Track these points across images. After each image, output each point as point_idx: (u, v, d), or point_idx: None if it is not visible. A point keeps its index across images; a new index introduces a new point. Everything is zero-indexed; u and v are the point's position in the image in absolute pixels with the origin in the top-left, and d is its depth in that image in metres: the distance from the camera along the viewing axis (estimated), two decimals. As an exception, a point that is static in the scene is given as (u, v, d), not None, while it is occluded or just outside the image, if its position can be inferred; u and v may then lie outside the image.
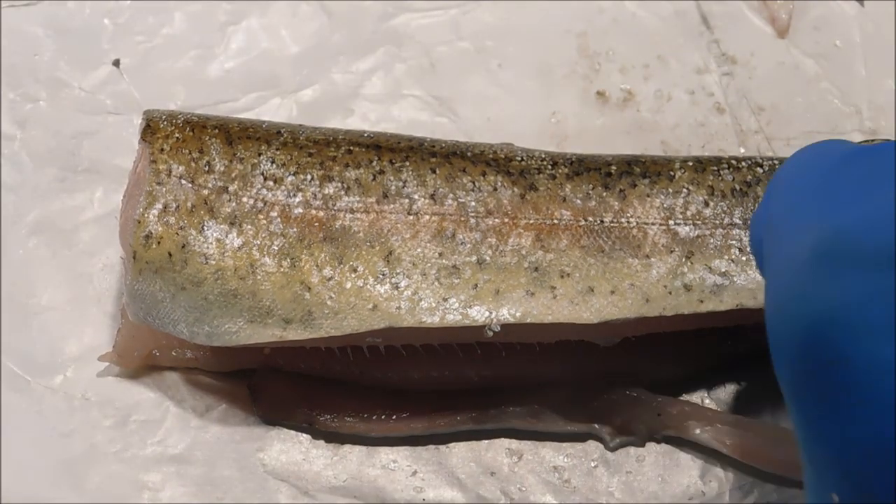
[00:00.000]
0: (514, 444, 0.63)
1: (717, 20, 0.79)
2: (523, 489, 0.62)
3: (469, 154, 0.63)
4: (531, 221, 0.61)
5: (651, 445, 0.63)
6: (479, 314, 0.58)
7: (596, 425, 0.62)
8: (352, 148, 0.62)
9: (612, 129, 0.74)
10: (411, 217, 0.60)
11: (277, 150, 0.61)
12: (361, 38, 0.77)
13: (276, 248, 0.59)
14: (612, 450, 0.62)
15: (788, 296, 0.41)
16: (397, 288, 0.58)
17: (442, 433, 0.62)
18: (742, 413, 0.63)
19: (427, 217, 0.60)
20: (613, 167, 0.63)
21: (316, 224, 0.59)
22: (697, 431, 0.62)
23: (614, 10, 0.79)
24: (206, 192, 0.60)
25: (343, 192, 0.60)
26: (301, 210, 0.60)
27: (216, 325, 0.58)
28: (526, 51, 0.77)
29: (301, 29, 0.77)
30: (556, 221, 0.61)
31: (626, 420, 0.62)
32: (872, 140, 0.68)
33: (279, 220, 0.59)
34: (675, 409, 0.62)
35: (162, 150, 0.61)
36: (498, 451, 0.62)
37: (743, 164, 0.64)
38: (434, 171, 0.61)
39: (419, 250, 0.59)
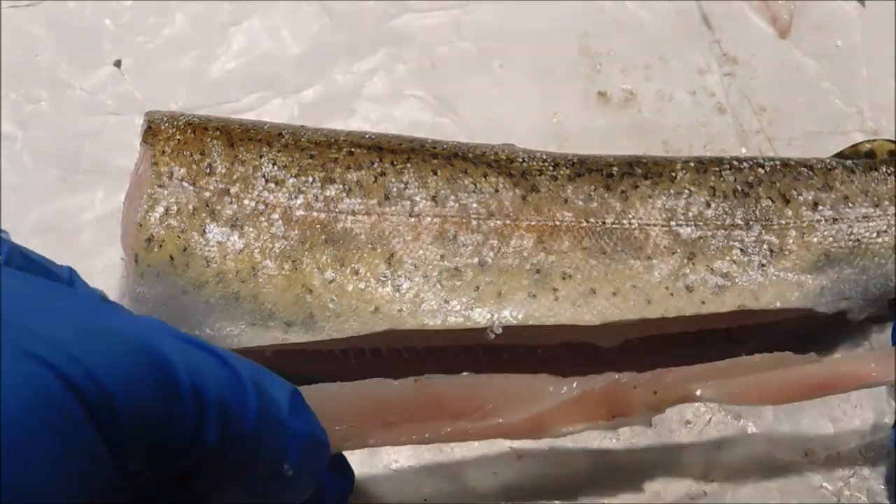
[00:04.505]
0: (516, 443, 0.62)
1: (719, 20, 0.79)
2: (526, 488, 0.62)
3: (470, 155, 0.63)
4: (533, 223, 0.61)
5: (653, 444, 0.63)
6: (480, 316, 0.58)
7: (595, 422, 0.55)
8: (353, 150, 0.62)
9: (614, 130, 0.74)
10: (413, 219, 0.60)
11: (279, 151, 0.61)
12: (363, 38, 0.77)
13: (278, 251, 0.59)
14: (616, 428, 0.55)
15: None
16: (399, 290, 0.58)
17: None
18: (745, 415, 0.63)
19: (429, 219, 0.60)
20: (615, 168, 0.63)
21: (317, 226, 0.59)
22: (699, 393, 0.54)
23: (615, 10, 0.79)
24: (207, 194, 0.60)
25: (344, 194, 0.60)
26: (302, 212, 0.60)
27: (218, 328, 0.58)
28: (527, 51, 0.77)
29: (302, 29, 0.77)
30: (557, 223, 0.61)
31: (623, 409, 0.54)
32: (873, 140, 0.68)
33: (281, 222, 0.59)
34: (669, 378, 0.55)
35: (163, 152, 0.61)
36: (500, 450, 0.62)
37: (745, 164, 0.64)
38: (435, 173, 0.61)
39: (421, 252, 0.59)
